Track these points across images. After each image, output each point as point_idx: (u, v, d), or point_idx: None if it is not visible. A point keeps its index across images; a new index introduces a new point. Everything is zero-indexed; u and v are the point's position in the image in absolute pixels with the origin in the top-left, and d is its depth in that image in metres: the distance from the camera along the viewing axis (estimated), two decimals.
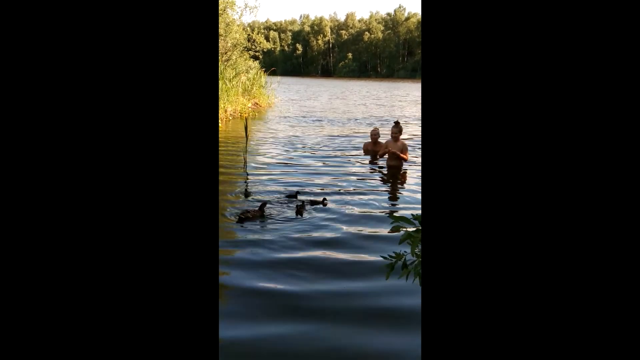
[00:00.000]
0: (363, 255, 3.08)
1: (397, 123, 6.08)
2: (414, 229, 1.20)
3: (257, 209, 3.84)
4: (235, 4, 13.37)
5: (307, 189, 4.67)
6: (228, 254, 3.04)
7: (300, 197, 4.31)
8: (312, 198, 4.29)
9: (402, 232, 1.24)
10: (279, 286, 2.61)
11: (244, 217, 3.69)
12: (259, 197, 4.38)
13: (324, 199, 4.21)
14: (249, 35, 14.14)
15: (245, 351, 2.01)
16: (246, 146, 5.84)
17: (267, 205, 3.95)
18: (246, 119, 6.63)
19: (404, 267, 1.20)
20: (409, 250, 1.19)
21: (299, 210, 3.93)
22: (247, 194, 4.47)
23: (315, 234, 3.47)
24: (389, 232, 3.49)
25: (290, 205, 4.10)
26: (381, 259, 1.26)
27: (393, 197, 4.76)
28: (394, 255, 1.22)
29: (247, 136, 5.80)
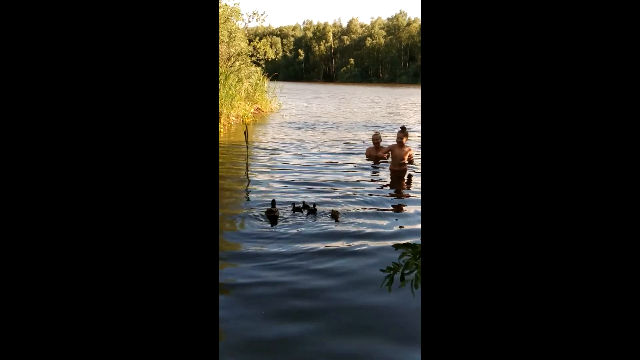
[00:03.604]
0: (364, 263, 3.06)
1: (403, 128, 6.10)
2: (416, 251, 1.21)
3: (270, 207, 3.91)
4: (240, 12, 13.38)
5: (319, 200, 4.52)
6: (228, 262, 3.03)
7: (317, 209, 4.14)
8: (327, 209, 4.12)
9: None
10: (282, 292, 2.59)
11: (276, 216, 3.79)
12: (261, 201, 4.36)
13: (335, 212, 4.01)
14: (254, 45, 14.13)
15: (245, 352, 2.00)
16: (247, 152, 5.84)
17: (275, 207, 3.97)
18: (246, 125, 6.65)
19: (402, 278, 1.19)
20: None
21: (274, 216, 3.87)
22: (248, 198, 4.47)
23: (317, 241, 3.45)
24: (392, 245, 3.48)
25: (299, 214, 4.05)
26: (384, 264, 1.27)
27: (395, 201, 4.74)
28: (392, 267, 1.22)
29: (247, 142, 5.81)
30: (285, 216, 3.91)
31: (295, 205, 4.07)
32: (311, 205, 4.16)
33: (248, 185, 5.17)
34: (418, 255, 1.17)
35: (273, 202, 3.97)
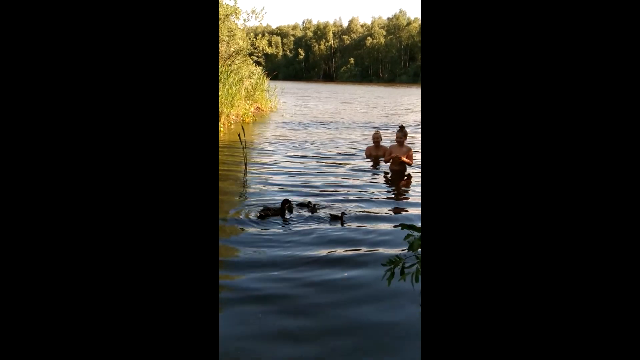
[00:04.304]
0: (365, 262, 3.06)
1: (401, 127, 6.09)
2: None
3: (278, 206, 3.89)
4: (240, 11, 13.36)
5: (319, 200, 4.46)
6: (224, 272, 2.97)
7: (319, 209, 4.09)
8: (332, 212, 4.03)
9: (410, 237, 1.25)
10: (282, 293, 2.59)
11: (264, 214, 3.72)
12: (261, 202, 4.36)
13: (340, 215, 3.93)
14: (252, 41, 14.13)
15: (245, 353, 2.00)
16: (244, 153, 5.84)
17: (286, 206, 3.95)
18: (242, 127, 6.65)
19: (402, 273, 1.20)
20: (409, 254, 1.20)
21: (282, 211, 3.85)
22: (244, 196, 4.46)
23: (318, 241, 3.44)
24: (398, 238, 3.46)
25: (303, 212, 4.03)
26: (385, 262, 1.28)
27: (396, 201, 4.74)
28: (392, 260, 1.22)
29: (243, 144, 5.82)
30: (285, 217, 3.88)
31: (290, 204, 4.03)
32: (311, 205, 4.13)
33: (246, 186, 5.16)
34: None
35: (284, 202, 3.91)
